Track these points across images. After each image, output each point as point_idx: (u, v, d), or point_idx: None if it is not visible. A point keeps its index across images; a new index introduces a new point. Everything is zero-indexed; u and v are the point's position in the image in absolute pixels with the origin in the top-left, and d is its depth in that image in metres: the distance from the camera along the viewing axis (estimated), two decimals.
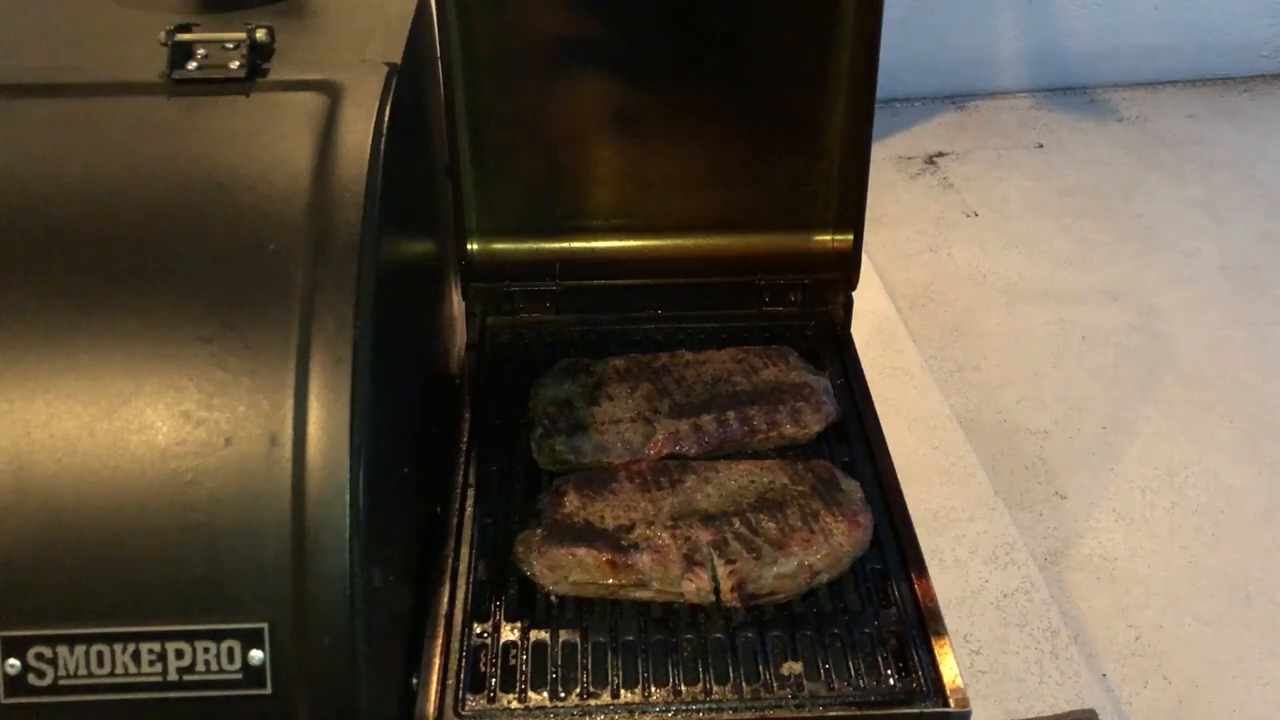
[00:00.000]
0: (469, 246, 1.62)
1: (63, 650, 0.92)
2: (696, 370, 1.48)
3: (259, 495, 0.93)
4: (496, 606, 1.23)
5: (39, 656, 0.92)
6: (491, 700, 1.14)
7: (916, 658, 1.17)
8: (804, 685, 1.15)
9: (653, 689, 1.15)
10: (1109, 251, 2.80)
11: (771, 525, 1.25)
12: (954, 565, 1.83)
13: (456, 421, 1.45)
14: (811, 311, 1.66)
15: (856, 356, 1.59)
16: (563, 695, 1.14)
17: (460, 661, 1.17)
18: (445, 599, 1.22)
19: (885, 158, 3.19)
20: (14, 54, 1.23)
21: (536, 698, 1.14)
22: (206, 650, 0.92)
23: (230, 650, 0.92)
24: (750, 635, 1.20)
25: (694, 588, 1.20)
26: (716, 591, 1.21)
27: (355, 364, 0.96)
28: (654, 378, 1.47)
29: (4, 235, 1.01)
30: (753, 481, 1.31)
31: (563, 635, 1.20)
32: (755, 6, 1.55)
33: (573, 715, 1.13)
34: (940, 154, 3.24)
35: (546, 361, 1.54)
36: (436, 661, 1.16)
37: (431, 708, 1.12)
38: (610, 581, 1.22)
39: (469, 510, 1.34)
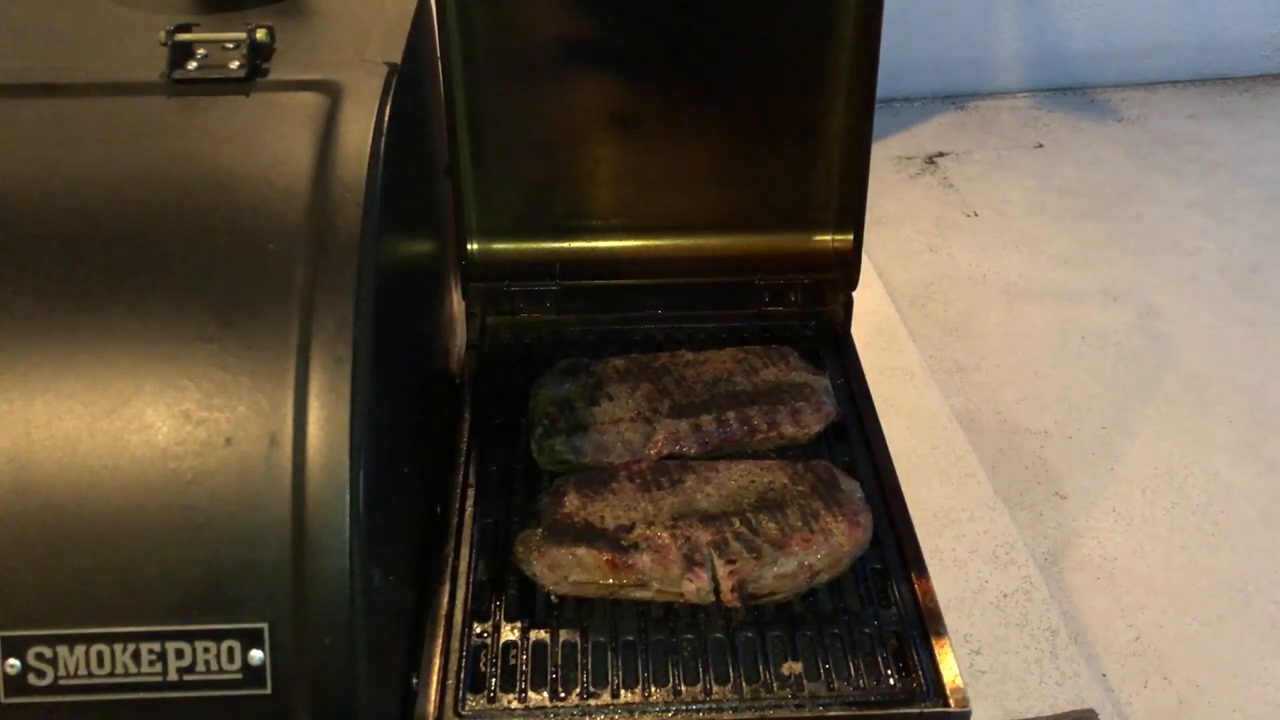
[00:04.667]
0: (469, 246, 1.62)
1: (63, 650, 0.92)
2: (696, 370, 1.48)
3: (259, 495, 0.93)
4: (496, 606, 1.23)
5: (39, 656, 0.92)
6: (491, 700, 1.14)
7: (916, 658, 1.17)
8: (804, 685, 1.15)
9: (653, 689, 1.15)
10: (1109, 251, 2.80)
11: (771, 525, 1.25)
12: (954, 565, 1.83)
13: (456, 421, 1.45)
14: (811, 311, 1.66)
15: (856, 356, 1.58)
16: (563, 695, 1.14)
17: (460, 661, 1.17)
18: (445, 599, 1.22)
19: (885, 158, 3.19)
20: (14, 54, 1.23)
21: (536, 698, 1.14)
22: (206, 650, 0.92)
23: (230, 650, 0.92)
24: (750, 635, 1.20)
25: (694, 588, 1.20)
26: (716, 591, 1.21)
27: (355, 364, 0.96)
28: (654, 378, 1.47)
29: (4, 235, 1.01)
30: (753, 481, 1.31)
31: (563, 635, 1.20)
32: (755, 6, 1.55)
33: (573, 715, 1.13)
34: (940, 154, 3.24)
35: (546, 361, 1.54)
36: (436, 661, 1.16)
37: (431, 708, 1.12)
38: (610, 581, 1.22)
39: (469, 510, 1.34)
